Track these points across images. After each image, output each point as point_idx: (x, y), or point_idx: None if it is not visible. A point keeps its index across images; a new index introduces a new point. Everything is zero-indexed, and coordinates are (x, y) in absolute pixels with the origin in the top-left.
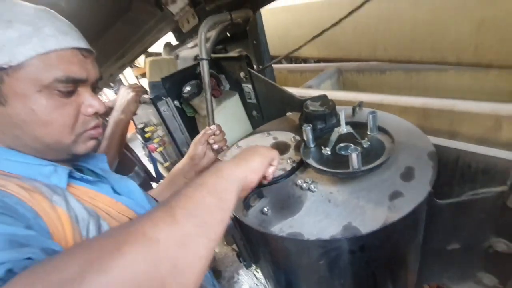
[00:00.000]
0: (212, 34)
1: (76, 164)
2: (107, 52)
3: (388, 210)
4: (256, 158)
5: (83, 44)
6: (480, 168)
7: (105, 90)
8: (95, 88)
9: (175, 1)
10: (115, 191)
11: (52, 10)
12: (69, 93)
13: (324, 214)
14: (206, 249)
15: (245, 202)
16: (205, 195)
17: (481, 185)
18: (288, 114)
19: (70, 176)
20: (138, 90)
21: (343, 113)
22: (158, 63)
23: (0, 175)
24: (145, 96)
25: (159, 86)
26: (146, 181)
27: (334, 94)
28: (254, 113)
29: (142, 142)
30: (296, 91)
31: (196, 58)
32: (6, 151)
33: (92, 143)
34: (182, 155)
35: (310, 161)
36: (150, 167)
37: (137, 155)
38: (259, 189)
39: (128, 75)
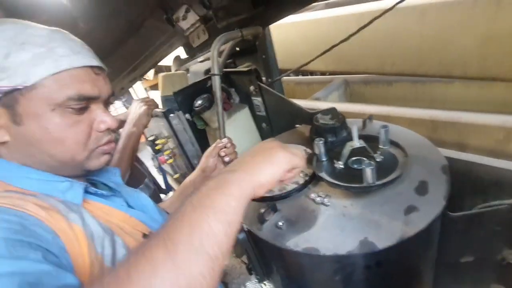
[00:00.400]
0: (224, 49)
1: (89, 178)
2: (119, 67)
3: (404, 225)
4: (269, 168)
5: (95, 62)
6: (493, 181)
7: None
8: (108, 104)
9: (186, 18)
10: (128, 205)
11: (65, 31)
12: (82, 110)
13: (339, 229)
14: (215, 279)
15: (260, 216)
16: (211, 222)
17: (493, 197)
18: (298, 126)
19: (85, 191)
20: (150, 104)
21: (355, 128)
22: (170, 78)
23: (18, 193)
24: (157, 109)
25: (171, 100)
26: (155, 192)
27: (342, 106)
28: (264, 125)
29: (152, 154)
30: (304, 103)
31: (207, 72)
32: (23, 169)
33: (105, 158)
34: (193, 167)
35: (323, 175)
36: (159, 178)
37: (146, 167)
38: (273, 203)
39: (137, 87)
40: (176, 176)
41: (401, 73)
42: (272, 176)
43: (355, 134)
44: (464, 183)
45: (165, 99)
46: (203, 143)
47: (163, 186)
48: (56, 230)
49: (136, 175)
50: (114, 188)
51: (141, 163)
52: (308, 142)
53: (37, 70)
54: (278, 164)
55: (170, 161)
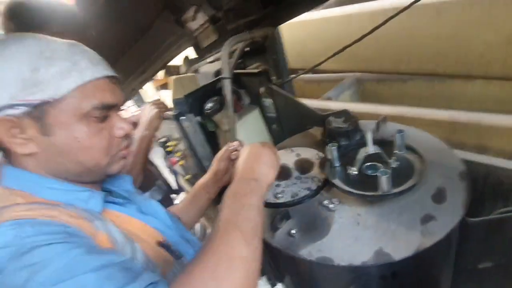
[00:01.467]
0: (235, 50)
1: (103, 186)
2: (129, 68)
3: (421, 235)
4: (271, 171)
5: (111, 72)
6: None
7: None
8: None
9: (195, 18)
10: (141, 212)
11: (79, 43)
12: (104, 118)
13: (353, 238)
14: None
15: (272, 224)
16: (256, 216)
17: None
18: (310, 129)
19: (104, 200)
20: (161, 106)
21: (370, 133)
22: (181, 81)
23: (44, 204)
24: (168, 112)
25: (182, 103)
26: (167, 194)
27: (354, 107)
28: (274, 126)
29: (164, 153)
30: (315, 104)
31: (217, 74)
32: (46, 180)
33: (123, 162)
34: (204, 169)
35: (337, 182)
36: (171, 178)
37: (157, 168)
38: (286, 210)
39: (147, 87)
40: (187, 177)
41: (417, 72)
42: (274, 177)
43: (369, 139)
44: (484, 187)
45: (176, 102)
46: (214, 145)
47: (174, 186)
48: (91, 236)
49: (148, 178)
50: (127, 197)
51: (151, 164)
52: (320, 145)
53: (65, 83)
54: (276, 166)
55: (181, 162)
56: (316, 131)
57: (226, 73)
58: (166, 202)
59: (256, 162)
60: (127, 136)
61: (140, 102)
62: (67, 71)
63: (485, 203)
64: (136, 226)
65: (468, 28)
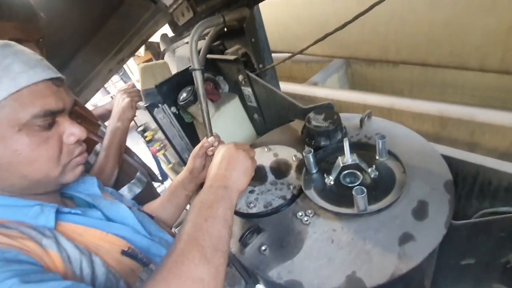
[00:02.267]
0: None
1: (64, 192)
2: (104, 48)
3: (398, 259)
4: (245, 177)
5: (53, 73)
6: (503, 186)
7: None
8: (71, 113)
9: None
10: (107, 218)
11: (14, 43)
12: (49, 126)
13: (327, 258)
14: (225, 270)
15: (242, 240)
16: (221, 229)
17: (502, 202)
18: (292, 122)
19: (58, 211)
20: (134, 95)
21: (347, 142)
22: (150, 69)
23: None
24: (140, 103)
25: (153, 93)
26: (149, 185)
27: (341, 95)
28: (256, 116)
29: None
30: (300, 90)
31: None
32: None
33: (79, 169)
34: (184, 161)
35: (311, 194)
36: (154, 166)
37: (138, 158)
38: (257, 225)
39: (131, 64)
40: (170, 166)
41: (407, 61)
42: (246, 184)
43: (347, 148)
44: (473, 186)
45: (146, 93)
46: (192, 136)
47: (158, 175)
48: (35, 257)
49: (126, 170)
50: (91, 203)
51: (132, 154)
52: (301, 142)
53: None
54: (250, 172)
55: (162, 152)
56: (297, 125)
57: (195, 64)
58: (147, 193)
59: (227, 168)
60: (80, 142)
61: (126, 77)
62: None
63: (472, 201)
64: (97, 237)
65: (466, 14)
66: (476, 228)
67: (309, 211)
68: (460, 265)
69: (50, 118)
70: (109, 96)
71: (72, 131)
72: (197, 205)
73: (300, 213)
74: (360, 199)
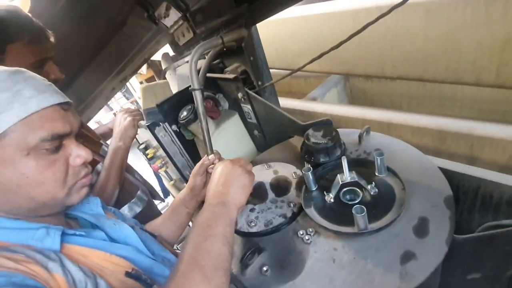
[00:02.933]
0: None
1: (68, 213)
2: (106, 67)
3: (399, 279)
4: (244, 193)
5: (61, 98)
6: (505, 199)
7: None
8: (77, 136)
9: (167, 15)
10: (111, 238)
11: (23, 69)
12: (56, 149)
13: (328, 279)
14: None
15: (243, 261)
16: (221, 247)
17: (504, 215)
18: (291, 139)
19: (63, 233)
20: (135, 114)
21: (345, 160)
22: (152, 89)
23: None
24: (141, 122)
25: (154, 112)
26: (149, 203)
27: (340, 110)
28: (256, 132)
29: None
30: (299, 105)
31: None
32: None
33: (84, 191)
34: (185, 178)
35: (311, 212)
36: (156, 182)
37: (139, 176)
38: (257, 245)
39: (133, 82)
40: (171, 182)
41: (403, 77)
42: (245, 199)
43: (345, 167)
44: (475, 199)
45: (147, 112)
46: (193, 153)
47: (160, 192)
48: (40, 282)
49: (126, 188)
50: (94, 223)
51: (133, 172)
52: (301, 159)
53: (6, 116)
54: (248, 187)
55: (163, 169)
56: (297, 141)
57: (195, 84)
58: (148, 211)
59: (225, 185)
60: (86, 164)
61: (128, 93)
62: (7, 103)
63: (475, 215)
64: (101, 258)
65: (460, 30)
66: (480, 242)
67: (310, 230)
68: (466, 280)
69: (57, 142)
70: (112, 113)
71: (78, 153)
72: (197, 224)
73: (301, 232)
74: (360, 218)
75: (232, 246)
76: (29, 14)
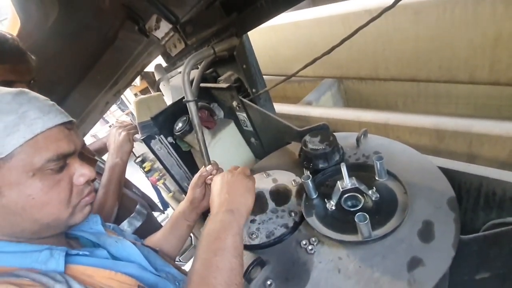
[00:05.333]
0: (201, 63)
1: (69, 233)
2: (100, 82)
3: (408, 286)
4: (248, 198)
5: (65, 118)
6: (508, 196)
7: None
8: (80, 154)
9: (158, 27)
10: (113, 256)
11: (26, 90)
12: (61, 169)
13: None
14: None
15: (246, 276)
16: (232, 260)
17: (509, 212)
18: (289, 145)
19: (67, 254)
20: (129, 128)
21: (344, 166)
22: (145, 102)
23: None
24: (137, 136)
25: (149, 125)
26: (149, 216)
27: (335, 113)
28: (253, 140)
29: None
30: (294, 110)
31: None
32: None
33: (88, 209)
34: (183, 189)
35: (313, 221)
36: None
37: (137, 189)
38: (260, 258)
39: (127, 94)
40: (170, 194)
41: (397, 78)
42: (252, 202)
43: (345, 173)
44: (478, 198)
45: (142, 125)
46: (191, 164)
47: (159, 204)
48: None
49: (125, 204)
50: (95, 241)
51: (131, 186)
52: (299, 165)
53: (12, 139)
54: (251, 190)
55: (161, 181)
56: (295, 147)
57: (188, 96)
58: (148, 225)
59: (229, 192)
60: (89, 182)
61: (123, 106)
62: (13, 125)
63: (479, 213)
64: (106, 277)
65: (450, 29)
66: (486, 241)
67: (313, 239)
68: (475, 280)
69: (62, 161)
70: (108, 125)
71: (82, 172)
72: (205, 238)
73: (304, 242)
74: (364, 226)
75: (242, 255)
76: (5, 33)
